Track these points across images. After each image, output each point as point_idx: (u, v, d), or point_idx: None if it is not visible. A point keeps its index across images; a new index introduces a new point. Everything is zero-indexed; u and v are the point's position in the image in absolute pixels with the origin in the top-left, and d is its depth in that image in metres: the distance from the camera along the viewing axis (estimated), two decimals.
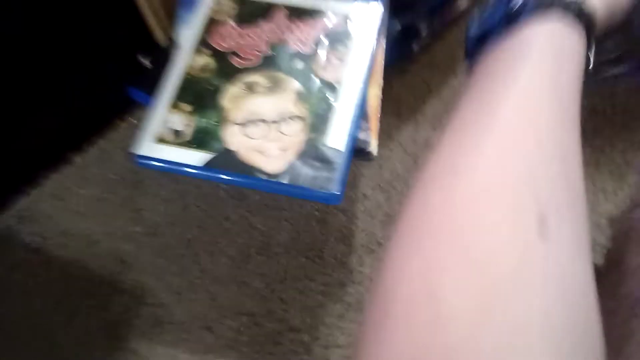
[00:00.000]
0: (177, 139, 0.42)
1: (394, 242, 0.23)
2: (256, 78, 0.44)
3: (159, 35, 0.55)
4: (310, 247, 0.55)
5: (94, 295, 0.54)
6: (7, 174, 0.59)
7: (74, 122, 0.62)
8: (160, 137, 0.42)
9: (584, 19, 0.30)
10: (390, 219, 0.56)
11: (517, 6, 0.31)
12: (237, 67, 0.44)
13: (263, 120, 0.42)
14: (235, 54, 0.45)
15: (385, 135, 0.59)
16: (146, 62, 0.53)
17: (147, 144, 0.42)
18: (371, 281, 0.20)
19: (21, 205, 0.59)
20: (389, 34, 0.53)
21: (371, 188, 0.58)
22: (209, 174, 0.40)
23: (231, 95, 0.43)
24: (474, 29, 0.35)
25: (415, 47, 0.63)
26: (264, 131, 0.41)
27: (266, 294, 0.53)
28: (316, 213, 0.57)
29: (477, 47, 0.33)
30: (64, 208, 0.59)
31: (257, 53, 0.45)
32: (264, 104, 0.43)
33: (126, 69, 0.56)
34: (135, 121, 0.64)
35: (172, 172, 0.41)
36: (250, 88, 0.44)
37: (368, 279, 0.53)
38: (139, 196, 0.59)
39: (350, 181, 0.59)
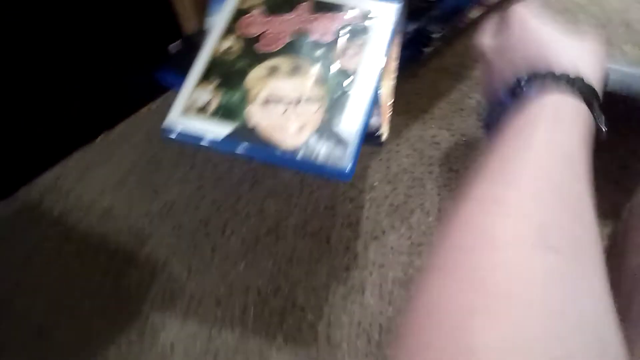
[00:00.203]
0: (202, 112, 0.45)
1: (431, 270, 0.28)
2: (279, 62, 0.47)
3: (190, 24, 0.59)
4: (318, 232, 0.58)
5: (109, 267, 0.56)
6: (35, 151, 0.62)
7: (100, 106, 0.65)
8: (187, 112, 0.45)
9: (578, 88, 0.37)
10: (395, 209, 0.59)
11: (522, 87, 0.39)
12: (262, 52, 0.48)
13: (283, 100, 0.45)
14: (260, 39, 0.49)
15: (394, 132, 0.62)
16: (177, 48, 0.57)
17: (175, 118, 0.45)
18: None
19: (46, 180, 0.62)
20: (403, 36, 0.57)
21: (378, 180, 0.61)
22: (229, 145, 0.43)
23: (255, 76, 0.46)
24: (486, 112, 0.42)
25: (426, 51, 0.66)
26: (283, 110, 0.44)
27: (274, 273, 0.55)
28: (325, 200, 0.60)
29: (491, 124, 0.40)
30: (85, 184, 0.62)
31: (281, 40, 0.48)
32: (284, 86, 0.46)
33: (155, 57, 0.59)
34: (155, 107, 0.67)
35: (195, 142, 0.44)
36: (273, 71, 0.47)
37: (372, 264, 0.55)
38: (156, 176, 0.62)
39: (359, 173, 0.62)
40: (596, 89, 0.38)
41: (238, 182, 0.61)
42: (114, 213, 0.60)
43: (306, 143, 0.43)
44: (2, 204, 0.60)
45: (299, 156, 0.42)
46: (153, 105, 0.68)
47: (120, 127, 0.66)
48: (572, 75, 0.37)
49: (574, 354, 0.22)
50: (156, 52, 0.60)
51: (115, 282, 0.55)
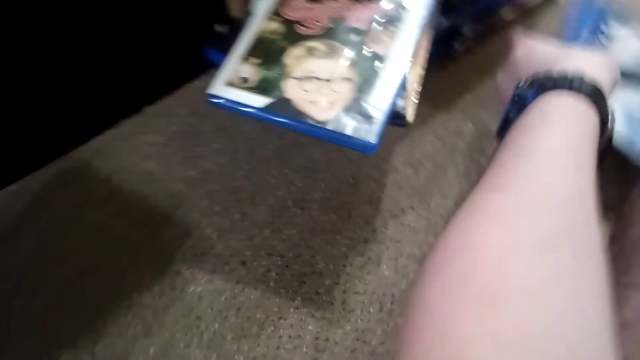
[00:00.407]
0: (244, 84, 0.49)
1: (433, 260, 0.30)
2: (316, 44, 0.51)
3: (236, 4, 0.64)
4: (341, 206, 0.62)
5: (146, 223, 0.62)
6: (88, 117, 0.68)
7: (149, 79, 0.71)
8: (231, 82, 0.50)
9: (577, 86, 0.37)
10: (415, 191, 0.62)
11: (524, 92, 0.40)
12: (301, 34, 0.52)
13: (318, 78, 0.49)
14: (300, 23, 0.53)
15: (419, 120, 0.65)
16: (222, 29, 0.61)
17: (220, 85, 0.50)
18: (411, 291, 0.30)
19: (96, 143, 0.68)
20: (435, 31, 0.60)
21: (402, 163, 0.65)
22: (266, 114, 0.48)
23: (293, 55, 0.51)
24: (500, 121, 0.44)
25: (457, 47, 0.70)
26: (318, 86, 0.49)
27: (297, 240, 0.60)
28: (349, 179, 0.64)
29: (502, 131, 0.42)
30: (131, 149, 0.68)
31: (320, 24, 0.53)
32: (320, 65, 0.50)
33: (203, 37, 0.64)
34: (199, 83, 0.72)
35: (234, 110, 0.49)
36: (310, 51, 0.51)
37: (389, 239, 0.59)
38: (196, 146, 0.68)
39: (383, 155, 0.65)
40: (600, 87, 0.37)
41: (269, 156, 0.66)
42: (154, 176, 0.65)
43: (337, 117, 0.47)
44: (48, 167, 0.66)
45: (329, 127, 0.47)
46: (197, 81, 0.73)
47: (167, 99, 0.72)
48: (570, 75, 0.37)
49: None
50: (203, 30, 0.64)
51: (151, 237, 0.60)
